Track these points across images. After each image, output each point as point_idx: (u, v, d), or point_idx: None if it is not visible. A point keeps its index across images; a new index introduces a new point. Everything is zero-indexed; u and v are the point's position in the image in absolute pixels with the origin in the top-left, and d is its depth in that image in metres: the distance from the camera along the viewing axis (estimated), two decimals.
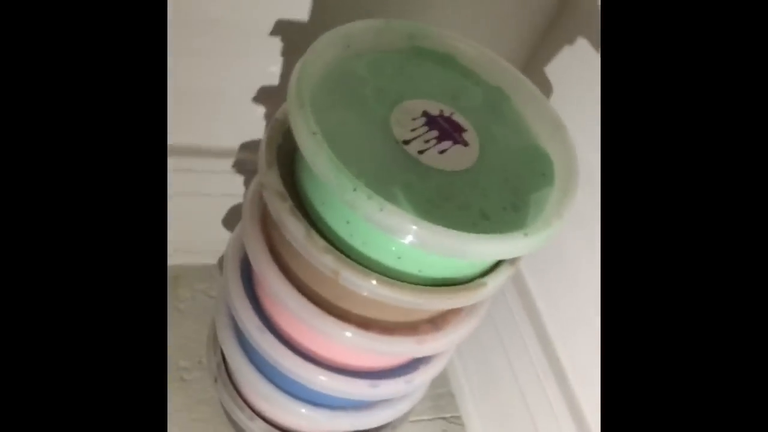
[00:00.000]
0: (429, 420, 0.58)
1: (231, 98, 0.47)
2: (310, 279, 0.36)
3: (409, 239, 0.30)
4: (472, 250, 0.30)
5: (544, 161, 0.37)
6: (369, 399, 0.41)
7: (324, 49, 0.36)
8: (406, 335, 0.37)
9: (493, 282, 0.36)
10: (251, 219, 0.39)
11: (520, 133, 0.38)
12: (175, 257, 0.57)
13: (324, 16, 0.43)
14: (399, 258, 0.33)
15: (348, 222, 0.33)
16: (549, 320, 0.50)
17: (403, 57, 0.39)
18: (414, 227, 0.30)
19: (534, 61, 0.52)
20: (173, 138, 0.48)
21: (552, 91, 0.49)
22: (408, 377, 0.41)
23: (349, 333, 0.37)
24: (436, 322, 0.39)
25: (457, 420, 0.59)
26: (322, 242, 0.33)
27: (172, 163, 0.48)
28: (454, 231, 0.30)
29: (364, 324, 0.37)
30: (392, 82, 0.37)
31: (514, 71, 0.40)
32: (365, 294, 0.33)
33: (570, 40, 0.47)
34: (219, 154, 0.50)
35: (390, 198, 0.31)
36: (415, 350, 0.38)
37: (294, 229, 0.33)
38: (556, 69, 0.49)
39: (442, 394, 0.60)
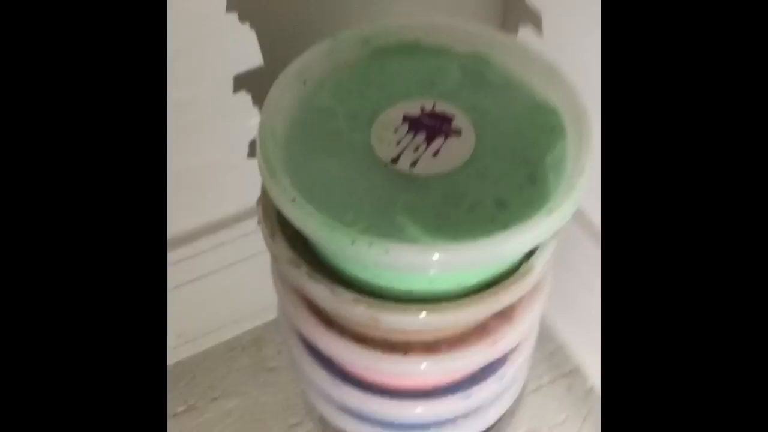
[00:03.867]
0: (550, 383, 0.56)
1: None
2: (360, 325, 0.35)
3: (425, 269, 0.28)
4: (492, 253, 0.28)
5: (548, 113, 0.34)
6: (467, 410, 0.39)
7: (281, 97, 0.33)
8: (478, 341, 0.35)
9: (540, 261, 0.33)
10: (283, 288, 0.37)
11: (513, 91, 0.35)
12: (248, 322, 0.57)
13: (283, 49, 0.41)
14: (431, 282, 0.31)
15: (365, 268, 0.31)
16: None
17: (366, 66, 0.36)
18: (424, 257, 0.28)
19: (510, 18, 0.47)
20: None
21: (539, 34, 0.45)
22: (499, 373, 0.39)
23: (423, 365, 0.35)
24: (506, 313, 0.36)
25: (577, 372, 0.56)
26: (349, 295, 0.31)
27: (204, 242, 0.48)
28: (465, 242, 0.28)
29: (432, 347, 0.35)
30: (362, 100, 0.35)
31: (483, 30, 0.37)
32: (411, 327, 0.32)
33: None
34: (243, 217, 0.49)
35: (395, 231, 0.29)
36: (491, 353, 0.35)
37: (317, 292, 0.32)
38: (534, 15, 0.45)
39: (553, 351, 0.57)
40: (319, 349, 0.37)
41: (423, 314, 0.31)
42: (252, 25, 0.40)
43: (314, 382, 0.39)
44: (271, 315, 0.57)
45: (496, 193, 0.31)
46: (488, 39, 0.36)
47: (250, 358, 0.57)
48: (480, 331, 0.36)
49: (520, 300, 0.37)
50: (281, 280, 0.37)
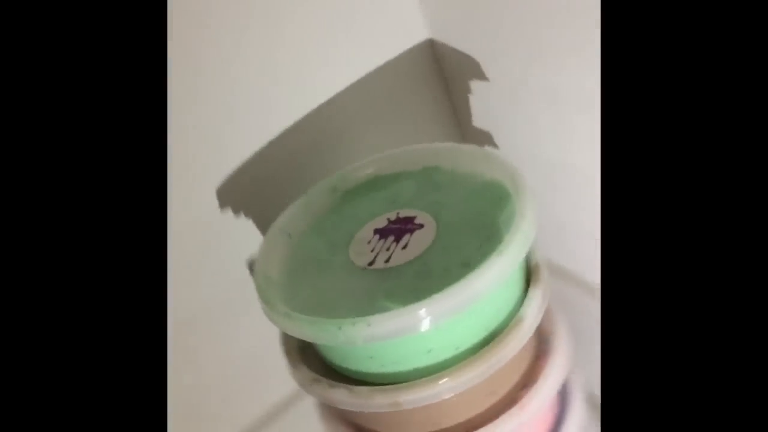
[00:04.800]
0: None
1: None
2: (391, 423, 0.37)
3: (410, 329, 0.31)
4: (461, 297, 0.31)
5: (494, 187, 0.38)
6: None
7: (270, 250, 0.39)
8: (509, 407, 0.37)
9: (530, 310, 0.35)
10: (326, 420, 0.40)
11: (461, 184, 0.40)
12: None
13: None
14: (431, 353, 0.34)
15: (371, 357, 0.34)
16: None
17: (337, 206, 0.42)
18: (404, 317, 0.31)
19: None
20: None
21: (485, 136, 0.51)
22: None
23: None
24: (526, 380, 0.38)
25: None
26: (365, 390, 0.34)
27: None
28: (435, 295, 0.31)
29: (476, 424, 0.37)
30: (338, 231, 0.40)
31: (428, 146, 0.43)
32: (432, 400, 0.34)
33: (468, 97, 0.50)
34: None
35: (379, 311, 0.33)
36: (522, 417, 0.36)
37: (339, 396, 0.35)
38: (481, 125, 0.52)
39: None
40: None
41: (444, 380, 0.33)
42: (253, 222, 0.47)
43: None
44: None
45: (460, 258, 0.35)
46: (434, 151, 0.42)
47: None
48: (509, 401, 0.37)
49: (538, 364, 0.39)
50: (321, 411, 0.40)
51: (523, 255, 0.33)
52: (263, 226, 0.47)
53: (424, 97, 0.51)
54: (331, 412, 0.40)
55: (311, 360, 0.38)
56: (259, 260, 0.38)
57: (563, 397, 0.42)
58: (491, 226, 0.36)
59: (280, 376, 0.40)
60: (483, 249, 0.35)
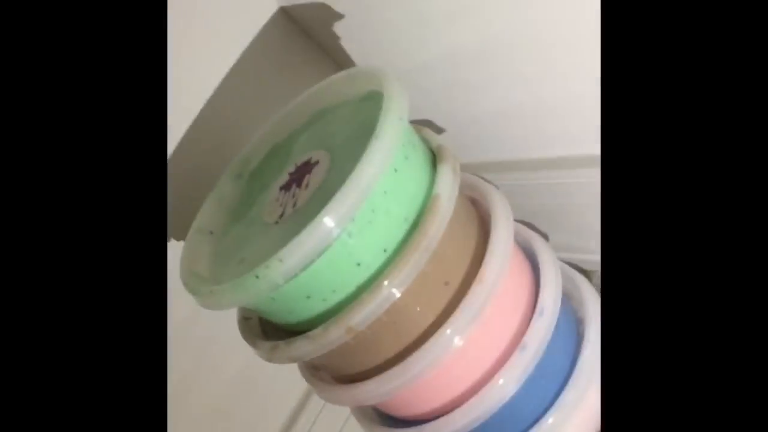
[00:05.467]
0: None
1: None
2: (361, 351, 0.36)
3: (319, 244, 0.31)
4: (357, 185, 0.31)
5: (370, 97, 0.38)
6: (530, 364, 0.38)
7: (193, 250, 0.39)
8: (466, 291, 0.36)
9: (442, 186, 0.35)
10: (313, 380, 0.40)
11: (343, 110, 0.40)
12: None
13: None
14: (361, 266, 0.33)
15: (309, 296, 0.34)
16: None
17: (247, 190, 0.42)
18: (306, 235, 0.31)
19: None
20: None
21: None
22: (540, 309, 0.38)
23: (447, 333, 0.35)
24: (478, 261, 0.37)
25: None
26: (319, 330, 0.33)
27: None
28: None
29: (440, 321, 0.36)
30: (254, 210, 0.40)
31: (304, 99, 0.42)
32: (382, 309, 0.33)
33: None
34: None
35: None
36: (482, 293, 0.35)
37: (301, 349, 0.34)
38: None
39: None
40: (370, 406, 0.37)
41: (385, 283, 0.33)
42: None
43: None
44: None
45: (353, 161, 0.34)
46: (312, 97, 0.42)
47: None
48: (465, 287, 0.36)
49: (485, 248, 0.38)
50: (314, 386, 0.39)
51: (398, 131, 0.33)
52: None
53: (301, 60, 0.52)
54: (323, 381, 0.40)
55: (273, 335, 0.38)
56: (183, 261, 0.38)
57: (534, 265, 0.41)
58: (375, 126, 0.36)
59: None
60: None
